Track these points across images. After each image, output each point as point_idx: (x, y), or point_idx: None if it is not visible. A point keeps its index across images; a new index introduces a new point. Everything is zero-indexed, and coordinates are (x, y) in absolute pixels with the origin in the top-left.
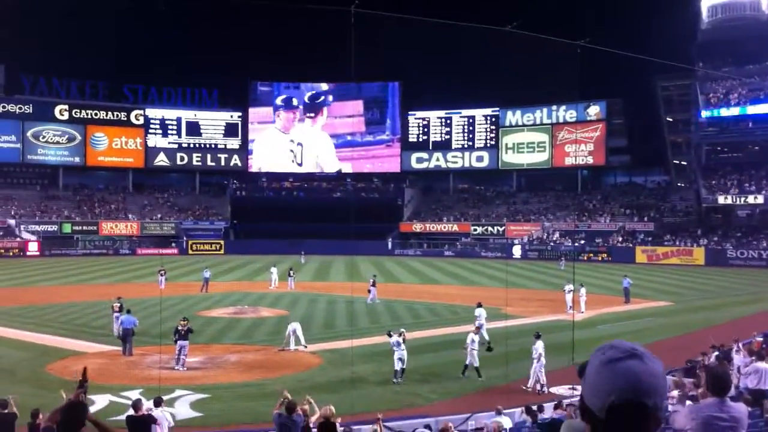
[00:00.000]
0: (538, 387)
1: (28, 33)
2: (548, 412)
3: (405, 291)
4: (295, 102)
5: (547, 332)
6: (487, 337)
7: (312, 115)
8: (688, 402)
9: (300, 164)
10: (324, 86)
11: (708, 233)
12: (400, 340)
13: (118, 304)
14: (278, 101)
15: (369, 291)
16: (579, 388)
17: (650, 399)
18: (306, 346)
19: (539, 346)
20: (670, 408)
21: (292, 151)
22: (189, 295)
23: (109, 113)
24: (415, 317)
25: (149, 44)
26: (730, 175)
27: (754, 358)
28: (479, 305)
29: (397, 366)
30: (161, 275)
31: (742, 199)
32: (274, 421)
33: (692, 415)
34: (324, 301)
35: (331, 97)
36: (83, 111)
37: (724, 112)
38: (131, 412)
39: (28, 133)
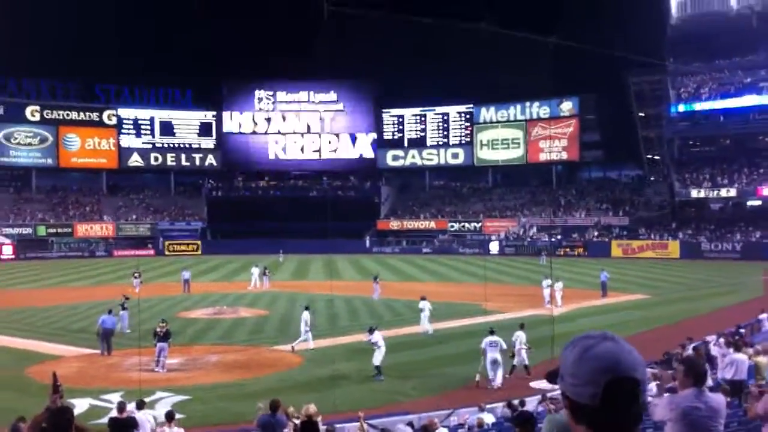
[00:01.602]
0: (494, 384)
1: None
2: (530, 406)
3: (383, 289)
4: (269, 102)
5: (527, 327)
6: (430, 331)
7: (290, 111)
8: (666, 394)
9: (281, 159)
10: (300, 88)
11: (682, 227)
12: (381, 336)
13: (123, 302)
14: (254, 100)
15: (374, 289)
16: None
17: (637, 372)
18: (292, 349)
19: (485, 343)
20: (649, 399)
21: (268, 149)
22: (167, 297)
23: (81, 114)
24: (395, 314)
25: (121, 43)
26: (703, 169)
27: (731, 349)
28: (423, 298)
29: (377, 362)
30: (135, 278)
31: (715, 192)
32: (257, 422)
33: (671, 406)
34: (303, 300)
35: (309, 94)
36: (55, 112)
37: (696, 106)
38: (115, 413)
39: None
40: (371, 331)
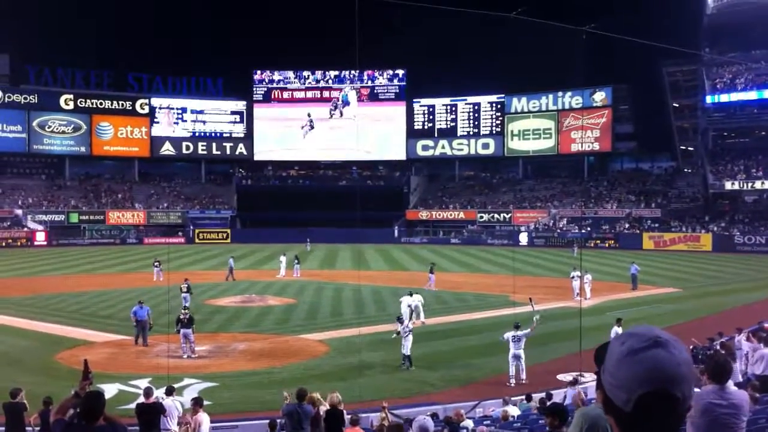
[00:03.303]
0: (513, 381)
1: (31, 22)
2: (557, 398)
3: (412, 279)
4: (299, 91)
5: (555, 319)
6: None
7: (321, 100)
8: None
9: (310, 148)
10: (333, 73)
11: (715, 219)
12: (410, 325)
13: (186, 285)
14: (285, 90)
15: (429, 278)
16: (586, 375)
17: (678, 389)
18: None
19: (508, 337)
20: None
21: (298, 138)
22: (196, 284)
23: (114, 102)
24: (423, 305)
25: (154, 33)
26: (737, 161)
27: (761, 344)
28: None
29: (407, 352)
30: (155, 267)
31: (749, 184)
32: (283, 411)
33: (692, 402)
34: (331, 289)
35: (340, 84)
36: (88, 100)
37: (731, 97)
38: (142, 399)
39: (34, 123)
40: (399, 320)
